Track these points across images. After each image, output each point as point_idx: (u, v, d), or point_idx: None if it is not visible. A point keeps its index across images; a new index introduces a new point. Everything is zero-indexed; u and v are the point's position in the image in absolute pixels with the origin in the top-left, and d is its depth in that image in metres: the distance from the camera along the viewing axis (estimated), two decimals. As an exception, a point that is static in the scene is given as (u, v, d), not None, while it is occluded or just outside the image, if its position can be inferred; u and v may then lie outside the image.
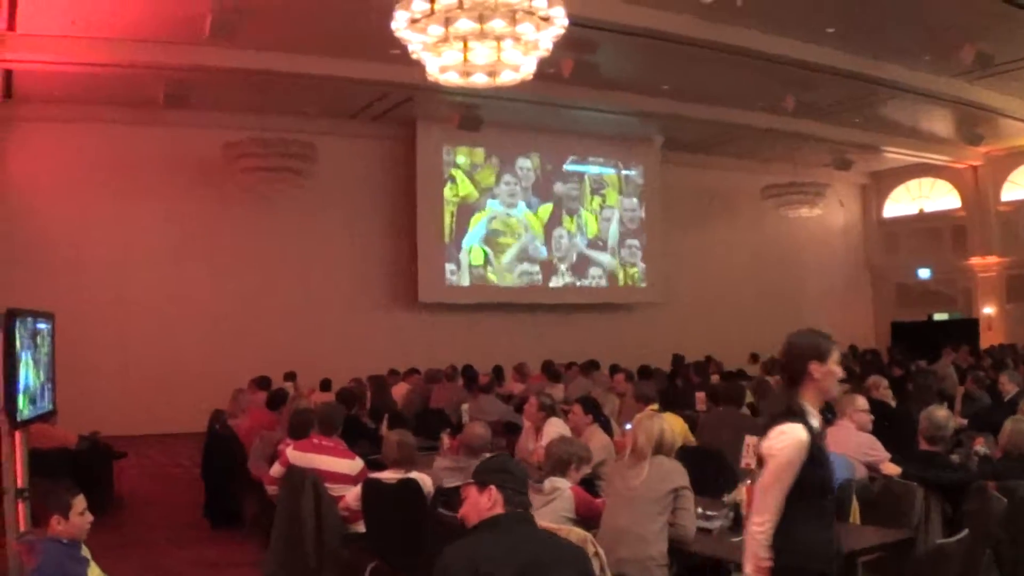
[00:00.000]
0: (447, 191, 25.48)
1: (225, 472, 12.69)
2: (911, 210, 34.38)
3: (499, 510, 4.62)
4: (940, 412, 8.43)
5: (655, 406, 11.36)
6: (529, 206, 26.71)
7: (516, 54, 11.43)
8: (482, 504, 4.67)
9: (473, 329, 25.26)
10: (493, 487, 4.65)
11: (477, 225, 25.90)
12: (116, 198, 21.88)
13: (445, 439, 10.32)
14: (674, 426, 10.75)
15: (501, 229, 26.27)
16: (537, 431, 10.56)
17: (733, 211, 30.58)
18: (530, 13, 10.89)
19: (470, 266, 25.77)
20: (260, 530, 10.68)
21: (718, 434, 10.37)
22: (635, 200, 28.54)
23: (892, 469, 8.36)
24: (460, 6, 10.61)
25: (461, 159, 25.71)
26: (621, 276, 28.34)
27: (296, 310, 23.48)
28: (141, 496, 14.95)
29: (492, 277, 26.16)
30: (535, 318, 26.51)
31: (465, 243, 25.72)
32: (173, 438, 19.31)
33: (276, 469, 9.43)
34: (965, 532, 6.52)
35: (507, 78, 11.96)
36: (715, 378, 18.15)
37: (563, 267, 27.31)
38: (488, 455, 5.44)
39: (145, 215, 22.19)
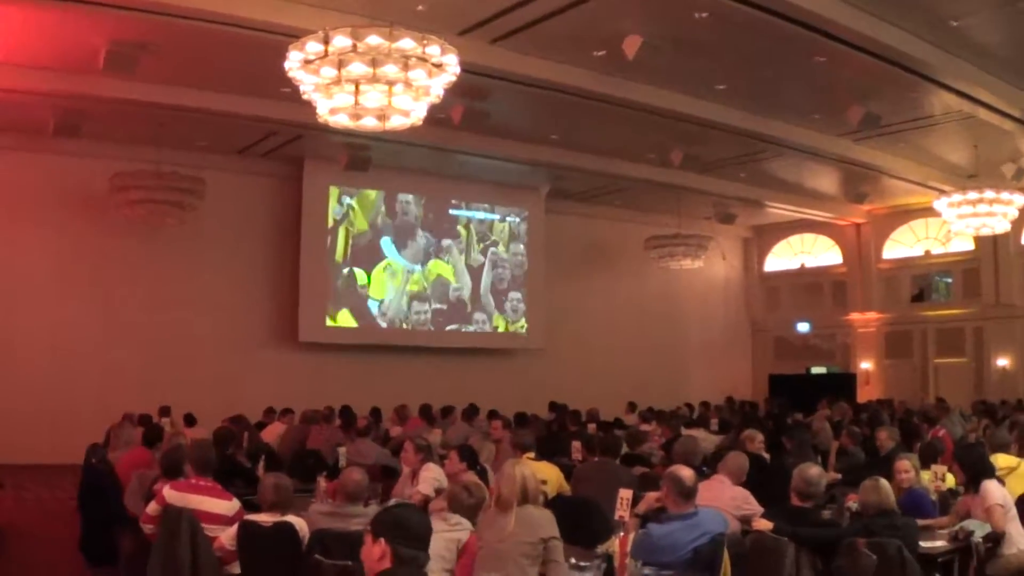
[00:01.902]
0: (338, 231, 25.50)
1: (101, 508, 12.51)
2: (792, 265, 35.02)
3: (387, 564, 4.51)
4: (812, 469, 8.56)
5: (532, 454, 11.41)
6: (414, 249, 26.73)
7: (407, 99, 11.50)
8: (374, 554, 4.56)
9: (353, 370, 25.06)
10: (383, 540, 4.55)
11: (360, 265, 25.90)
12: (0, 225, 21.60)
13: (322, 482, 10.23)
14: (548, 475, 10.85)
15: (385, 272, 26.24)
16: (414, 475, 10.55)
17: (617, 261, 30.76)
18: (423, 60, 11.01)
19: (351, 307, 25.77)
20: (136, 568, 10.50)
21: (593, 485, 10.37)
22: (519, 247, 28.71)
23: (763, 524, 8.43)
24: (354, 50, 10.70)
25: (348, 200, 25.68)
26: (502, 322, 28.45)
27: (178, 344, 23.17)
28: (18, 528, 14.66)
29: (375, 319, 26.13)
30: (416, 361, 26.43)
31: (347, 283, 25.69)
32: (54, 469, 18.90)
33: (153, 507, 9.27)
34: (832, 587, 6.65)
35: (397, 123, 12.03)
36: (591, 427, 18.16)
37: (445, 311, 27.36)
38: (371, 502, 5.31)
39: (30, 243, 21.91)
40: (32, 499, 17.38)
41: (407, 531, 4.60)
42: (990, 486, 8.98)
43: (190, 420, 17.57)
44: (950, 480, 10.51)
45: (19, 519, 15.30)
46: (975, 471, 9.25)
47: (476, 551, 7.00)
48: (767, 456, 13.01)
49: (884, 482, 8.66)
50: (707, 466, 10.56)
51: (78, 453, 14.89)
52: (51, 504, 16.71)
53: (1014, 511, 9.03)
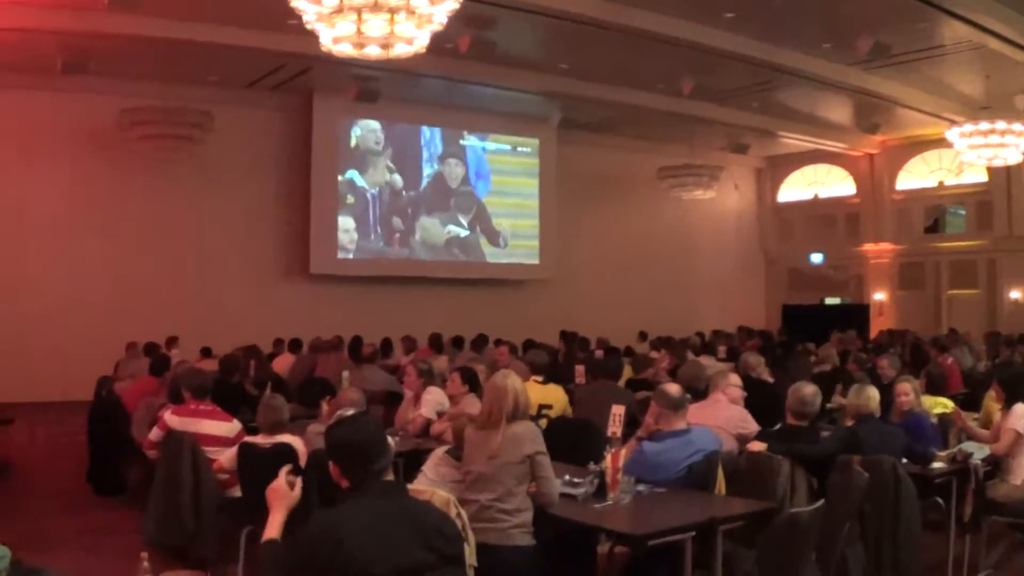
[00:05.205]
0: (349, 164, 25.50)
1: (109, 438, 12.62)
2: (806, 196, 34.90)
3: (345, 483, 4.55)
4: (807, 388, 8.54)
5: (540, 377, 11.44)
6: (427, 180, 26.77)
7: (410, 27, 11.51)
8: (335, 476, 4.60)
9: (365, 302, 25.10)
10: (331, 463, 4.61)
11: (374, 197, 25.89)
12: (9, 165, 21.52)
13: (324, 406, 10.28)
14: (554, 398, 10.93)
15: (399, 203, 26.30)
16: (416, 399, 10.62)
17: (629, 192, 30.68)
18: (425, -13, 11.03)
19: (360, 239, 25.82)
20: (143, 496, 10.57)
21: (593, 406, 10.41)
22: (530, 178, 28.63)
23: (756, 446, 8.40)
24: (356, -22, 10.72)
25: (359, 132, 25.66)
26: (514, 253, 28.48)
27: (188, 279, 23.27)
28: (27, 463, 14.74)
29: (387, 252, 26.19)
30: (428, 293, 26.46)
31: (360, 215, 25.72)
32: (65, 406, 18.82)
33: (155, 433, 9.41)
34: (821, 502, 6.70)
35: (400, 51, 12.06)
36: (599, 353, 18.20)
37: (457, 242, 27.44)
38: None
39: (39, 181, 21.90)
40: (42, 435, 17.46)
41: (348, 451, 4.60)
42: (1018, 409, 8.92)
43: (207, 352, 17.62)
44: (948, 405, 10.56)
45: (28, 455, 15.38)
46: (1013, 391, 9.20)
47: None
48: (771, 380, 13.07)
49: (870, 388, 8.74)
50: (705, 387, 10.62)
51: (90, 390, 14.97)
52: (61, 439, 16.73)
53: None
